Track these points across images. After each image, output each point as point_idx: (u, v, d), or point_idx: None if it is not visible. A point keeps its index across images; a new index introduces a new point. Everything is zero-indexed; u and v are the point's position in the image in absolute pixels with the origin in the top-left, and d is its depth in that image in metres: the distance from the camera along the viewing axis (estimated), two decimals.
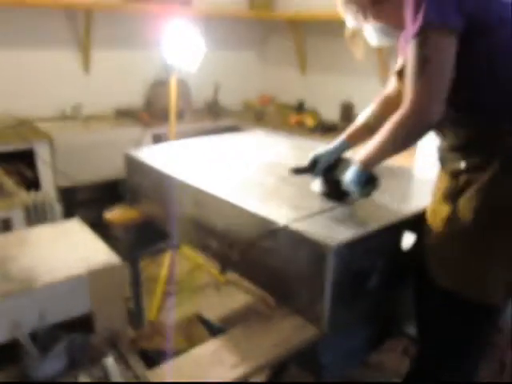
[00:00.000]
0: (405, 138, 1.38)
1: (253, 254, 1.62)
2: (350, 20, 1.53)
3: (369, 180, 1.53)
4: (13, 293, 1.39)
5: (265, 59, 4.97)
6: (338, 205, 1.64)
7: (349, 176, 1.55)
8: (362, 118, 1.80)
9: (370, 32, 1.51)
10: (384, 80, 1.79)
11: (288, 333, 1.44)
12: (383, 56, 3.66)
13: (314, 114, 4.28)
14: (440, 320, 1.52)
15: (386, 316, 1.81)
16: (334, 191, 1.67)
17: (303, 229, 1.45)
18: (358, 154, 1.53)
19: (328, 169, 1.73)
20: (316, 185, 1.75)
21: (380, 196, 1.69)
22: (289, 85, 4.79)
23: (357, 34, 1.58)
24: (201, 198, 1.82)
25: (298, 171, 1.81)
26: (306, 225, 1.48)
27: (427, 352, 1.60)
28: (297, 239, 1.45)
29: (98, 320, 1.52)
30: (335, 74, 4.34)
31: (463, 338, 1.50)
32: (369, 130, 1.71)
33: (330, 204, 1.66)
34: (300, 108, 4.49)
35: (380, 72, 3.76)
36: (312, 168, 1.77)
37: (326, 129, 3.89)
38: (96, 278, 1.51)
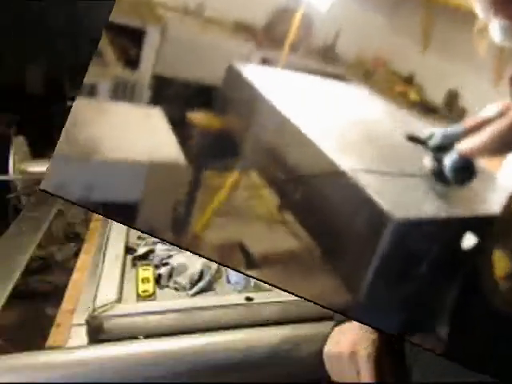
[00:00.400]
0: (498, 142, 1.36)
1: (314, 197, 1.57)
2: (481, 11, 1.44)
3: (465, 168, 1.52)
4: (68, 157, 1.36)
5: (390, 25, 4.80)
6: (434, 184, 1.63)
7: (448, 160, 1.54)
8: (487, 112, 1.74)
9: (496, 28, 1.41)
10: (496, 81, 1.77)
11: (321, 292, 1.39)
12: (504, 58, 3.47)
13: (421, 90, 4.14)
14: (483, 334, 1.42)
15: (422, 308, 1.73)
16: (438, 171, 1.66)
17: (370, 187, 1.37)
18: (463, 142, 1.52)
19: (439, 148, 1.70)
20: (426, 161, 1.73)
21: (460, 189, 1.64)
22: (405, 55, 4.63)
23: (485, 28, 1.48)
24: (284, 126, 1.76)
25: (414, 139, 1.80)
26: (376, 184, 1.41)
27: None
28: (360, 196, 1.37)
29: (142, 213, 1.50)
30: (452, 60, 4.15)
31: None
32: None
33: (413, 174, 1.65)
34: (409, 80, 4.33)
35: (495, 73, 3.57)
36: (425, 142, 1.74)
37: (426, 109, 3.74)
38: (156, 170, 1.48)
